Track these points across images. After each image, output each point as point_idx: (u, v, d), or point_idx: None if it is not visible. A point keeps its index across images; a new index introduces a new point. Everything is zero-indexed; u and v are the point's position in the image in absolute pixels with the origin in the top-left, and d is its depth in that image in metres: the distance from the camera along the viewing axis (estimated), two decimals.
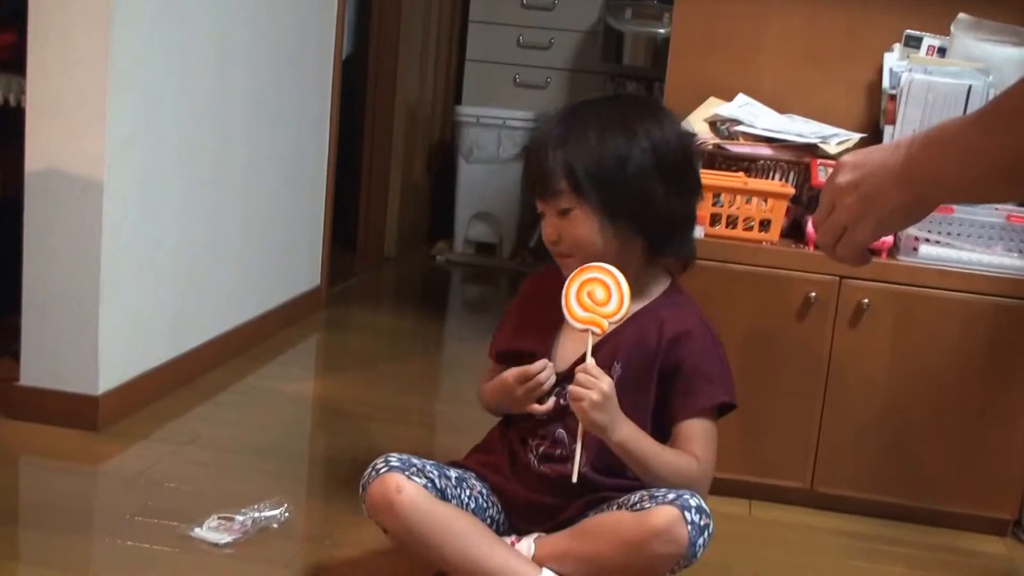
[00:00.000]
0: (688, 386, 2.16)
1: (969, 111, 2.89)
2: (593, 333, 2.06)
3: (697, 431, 2.16)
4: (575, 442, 2.09)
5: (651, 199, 2.14)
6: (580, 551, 2.08)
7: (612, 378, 2.08)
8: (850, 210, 1.46)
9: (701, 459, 2.14)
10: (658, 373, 2.15)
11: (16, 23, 2.91)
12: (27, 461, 2.78)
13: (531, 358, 2.19)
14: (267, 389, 3.47)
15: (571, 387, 2.04)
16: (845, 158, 1.49)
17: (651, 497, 2.06)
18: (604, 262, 2.10)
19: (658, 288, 2.23)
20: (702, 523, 2.02)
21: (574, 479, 2.07)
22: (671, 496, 2.04)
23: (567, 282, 2.08)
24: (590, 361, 2.05)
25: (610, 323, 2.06)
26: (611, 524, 2.06)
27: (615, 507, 2.12)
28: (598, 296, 2.06)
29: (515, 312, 2.33)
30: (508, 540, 2.17)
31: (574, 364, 2.11)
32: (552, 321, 2.19)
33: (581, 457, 2.07)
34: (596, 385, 2.02)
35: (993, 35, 3.02)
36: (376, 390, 3.57)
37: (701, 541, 2.02)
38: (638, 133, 2.14)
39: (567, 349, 2.19)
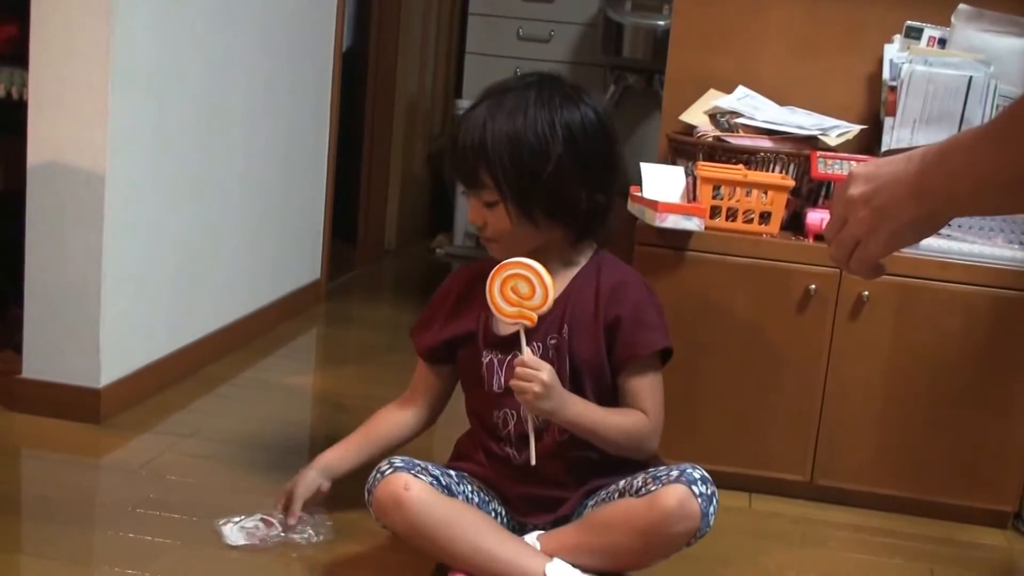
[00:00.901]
0: (630, 336, 2.21)
1: (970, 102, 2.92)
2: (524, 327, 2.13)
3: (644, 385, 2.23)
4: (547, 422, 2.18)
5: (572, 198, 2.20)
6: (593, 544, 2.10)
7: (564, 339, 2.18)
8: (862, 223, 1.45)
9: (650, 412, 2.22)
10: (604, 324, 2.20)
11: (18, 16, 2.91)
12: (29, 454, 2.78)
13: (468, 340, 2.28)
14: (268, 382, 3.48)
15: (513, 382, 2.11)
16: (856, 170, 1.48)
17: (654, 479, 2.09)
18: (527, 248, 2.19)
19: (585, 255, 2.29)
20: (709, 492, 2.07)
21: (532, 462, 2.14)
22: (674, 473, 2.07)
23: (489, 280, 2.14)
24: (526, 353, 2.12)
25: (538, 314, 2.12)
26: (621, 514, 2.09)
27: (617, 495, 2.13)
28: (522, 290, 2.13)
29: (438, 308, 2.37)
30: None
31: (512, 357, 2.18)
32: (480, 303, 2.24)
33: (536, 443, 2.15)
34: (536, 377, 2.09)
35: (994, 25, 3.02)
36: (376, 383, 3.57)
37: (712, 509, 2.07)
38: (557, 127, 2.17)
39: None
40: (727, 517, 2.08)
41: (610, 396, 2.23)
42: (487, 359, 2.25)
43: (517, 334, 2.17)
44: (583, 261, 2.27)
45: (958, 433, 2.76)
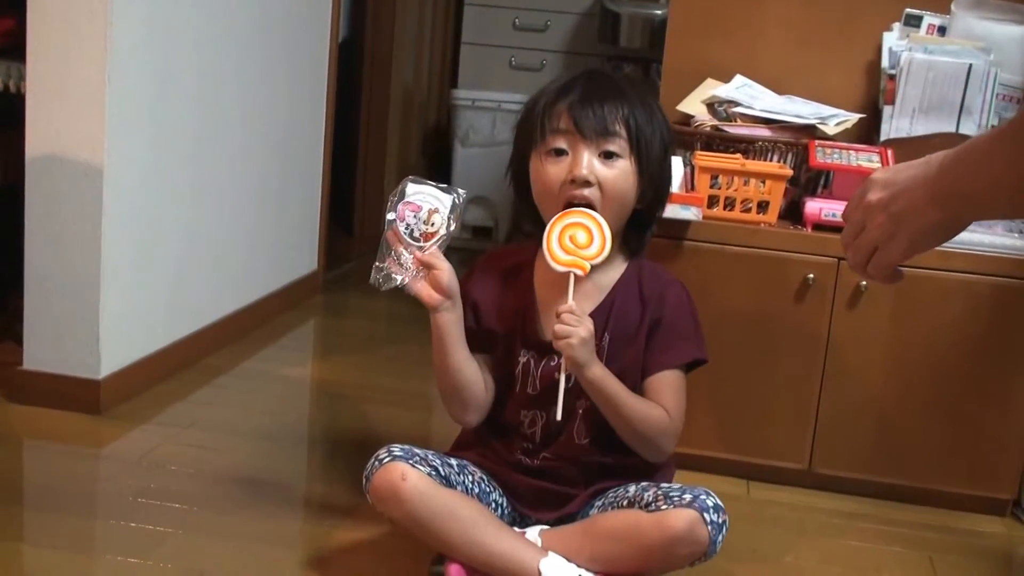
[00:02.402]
0: (665, 342, 2.20)
1: (970, 90, 2.92)
2: (575, 275, 2.10)
3: (669, 383, 2.21)
4: (574, 424, 2.17)
5: (666, 176, 2.24)
6: (595, 549, 2.09)
7: (603, 347, 2.16)
8: (881, 228, 1.44)
9: (672, 412, 2.19)
10: (648, 325, 2.19)
11: (15, 9, 2.91)
12: (30, 444, 2.79)
13: (505, 339, 2.23)
14: (266, 373, 3.48)
15: (556, 326, 2.06)
16: (874, 176, 1.47)
17: (667, 497, 2.07)
18: (614, 221, 2.15)
19: (622, 260, 2.26)
20: (720, 521, 2.05)
21: (558, 417, 2.10)
22: (687, 497, 2.05)
23: (549, 226, 2.10)
24: (572, 303, 2.09)
25: (591, 264, 2.09)
26: (628, 526, 2.07)
27: (625, 502, 2.13)
28: (580, 239, 2.09)
29: (480, 290, 2.27)
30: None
31: (547, 360, 2.18)
32: (520, 299, 2.24)
33: (564, 398, 2.10)
34: (582, 323, 2.06)
35: (994, 13, 3.02)
36: (374, 373, 3.58)
37: (720, 537, 2.05)
38: (657, 114, 2.20)
39: (549, 321, 2.18)
40: (725, 504, 2.07)
41: None
42: (524, 359, 2.23)
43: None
44: (621, 266, 2.24)
45: (957, 421, 2.77)
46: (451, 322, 2.14)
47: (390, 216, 2.07)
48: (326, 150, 4.41)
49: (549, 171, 2.14)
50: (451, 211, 2.07)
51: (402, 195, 2.08)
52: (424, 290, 2.09)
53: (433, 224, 2.06)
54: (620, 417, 2.14)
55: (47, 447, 2.76)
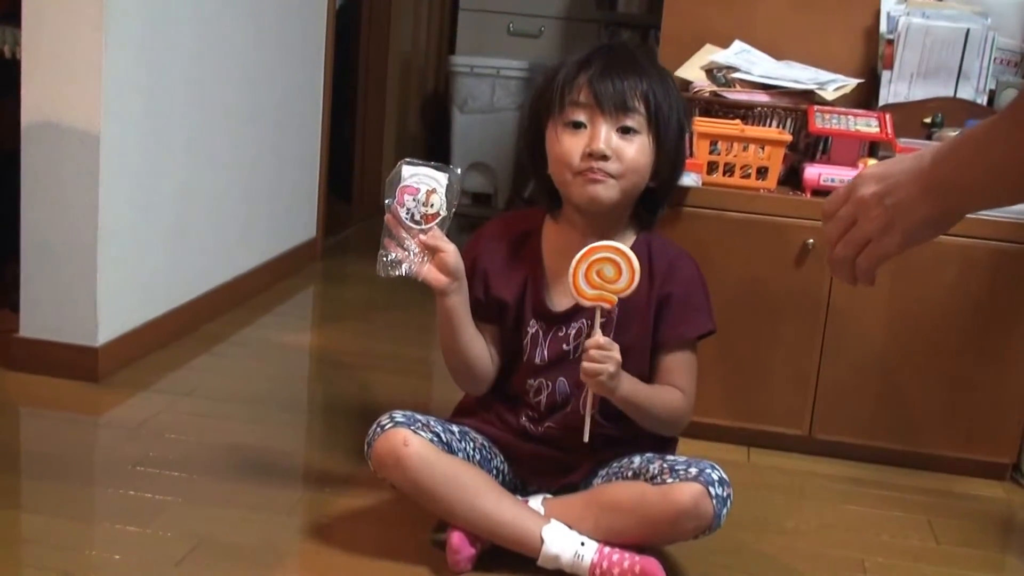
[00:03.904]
0: (677, 316, 2.20)
1: (967, 55, 2.91)
2: (602, 309, 2.08)
3: (681, 362, 2.22)
4: (580, 394, 2.16)
5: (681, 154, 2.23)
6: (598, 519, 2.10)
7: (612, 320, 2.14)
8: (876, 222, 1.43)
9: (686, 390, 2.21)
10: (655, 303, 2.19)
11: None
12: (28, 412, 2.79)
13: (513, 306, 2.23)
14: (265, 340, 3.48)
15: (586, 364, 2.05)
16: (867, 170, 1.45)
17: (672, 471, 2.08)
18: (628, 199, 2.16)
19: (632, 232, 2.26)
20: (724, 494, 2.06)
21: (585, 439, 2.10)
22: (693, 471, 2.06)
23: (575, 261, 2.06)
24: (598, 334, 2.07)
25: (620, 298, 2.07)
26: (634, 498, 2.08)
27: (630, 474, 2.13)
28: (607, 274, 2.06)
29: (485, 264, 2.26)
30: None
31: (557, 329, 2.19)
32: (527, 267, 2.23)
33: (590, 416, 2.11)
34: (611, 358, 2.05)
35: None
36: (373, 340, 3.58)
37: (724, 511, 2.07)
38: (674, 91, 2.21)
39: (558, 291, 2.21)
40: (725, 471, 2.08)
41: (646, 378, 2.23)
42: (533, 329, 2.22)
43: (570, 311, 2.18)
44: (631, 241, 2.22)
45: (956, 386, 2.76)
46: (458, 303, 2.14)
47: (388, 202, 2.06)
48: (324, 116, 4.40)
49: (567, 143, 2.13)
50: (448, 189, 2.06)
51: (398, 179, 2.06)
52: (431, 274, 2.08)
53: (432, 205, 2.05)
54: (648, 417, 2.17)
55: (45, 415, 2.76)
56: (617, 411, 2.16)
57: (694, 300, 2.22)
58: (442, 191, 2.05)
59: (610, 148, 2.10)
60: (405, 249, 2.07)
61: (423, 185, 2.05)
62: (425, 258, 2.08)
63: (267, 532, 2.26)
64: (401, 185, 2.05)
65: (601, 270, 2.05)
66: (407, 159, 2.09)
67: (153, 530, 2.20)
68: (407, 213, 2.05)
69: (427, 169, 2.07)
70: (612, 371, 2.04)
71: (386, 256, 2.07)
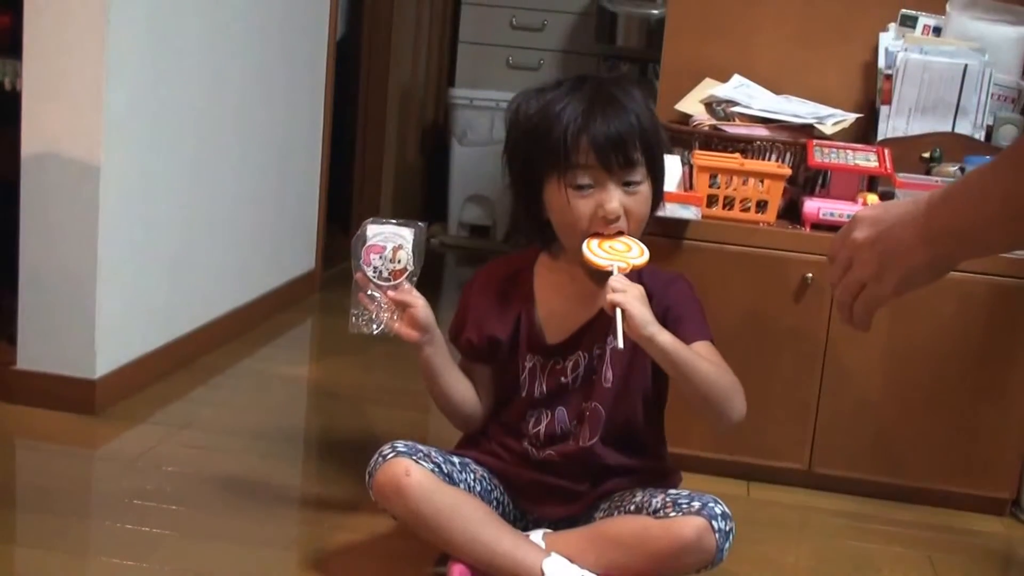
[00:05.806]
0: (687, 319, 2.18)
1: (965, 90, 2.92)
2: (618, 267, 2.06)
3: (707, 350, 2.17)
4: (579, 426, 2.18)
5: (663, 178, 2.23)
6: (600, 555, 2.08)
7: (607, 351, 2.16)
8: (868, 266, 1.43)
9: (725, 368, 2.17)
10: (659, 315, 2.14)
11: (12, 6, 2.90)
12: (25, 445, 2.78)
13: (507, 344, 2.22)
14: (263, 372, 3.47)
15: (611, 281, 2.02)
16: (861, 213, 1.45)
17: (675, 505, 2.07)
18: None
19: None
20: (727, 528, 2.06)
21: (620, 345, 1.99)
22: (696, 504, 2.06)
23: (585, 244, 2.09)
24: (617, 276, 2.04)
25: (634, 263, 2.07)
26: (636, 532, 2.07)
27: (632, 508, 2.12)
28: (619, 248, 2.09)
29: (479, 302, 2.28)
30: None
31: (580, 328, 2.19)
32: (520, 304, 2.23)
33: (621, 327, 2.00)
34: (633, 285, 2.04)
35: (989, 14, 3.03)
36: (371, 373, 3.57)
37: (727, 545, 2.07)
38: (655, 119, 2.21)
39: (553, 325, 2.21)
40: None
41: (654, 408, 2.24)
42: (530, 364, 2.22)
43: (567, 343, 2.19)
44: None
45: (955, 421, 2.76)
46: (434, 354, 2.18)
47: (355, 263, 2.10)
48: (324, 148, 4.41)
49: (578, 206, 2.11)
50: (415, 245, 2.11)
51: (364, 239, 2.10)
52: (403, 329, 2.13)
53: (399, 261, 2.10)
54: (694, 381, 2.09)
55: (42, 448, 2.75)
56: (619, 438, 2.16)
57: (693, 315, 2.20)
58: (408, 247, 2.11)
59: (623, 209, 2.11)
60: (376, 306, 2.11)
61: (389, 243, 2.11)
62: (396, 314, 2.11)
63: (266, 567, 2.25)
64: (367, 245, 2.10)
65: (613, 246, 2.09)
66: (371, 219, 2.15)
67: (150, 564, 2.18)
68: (375, 271, 2.10)
69: (391, 227, 2.13)
70: (636, 292, 2.02)
71: (358, 314, 2.12)
